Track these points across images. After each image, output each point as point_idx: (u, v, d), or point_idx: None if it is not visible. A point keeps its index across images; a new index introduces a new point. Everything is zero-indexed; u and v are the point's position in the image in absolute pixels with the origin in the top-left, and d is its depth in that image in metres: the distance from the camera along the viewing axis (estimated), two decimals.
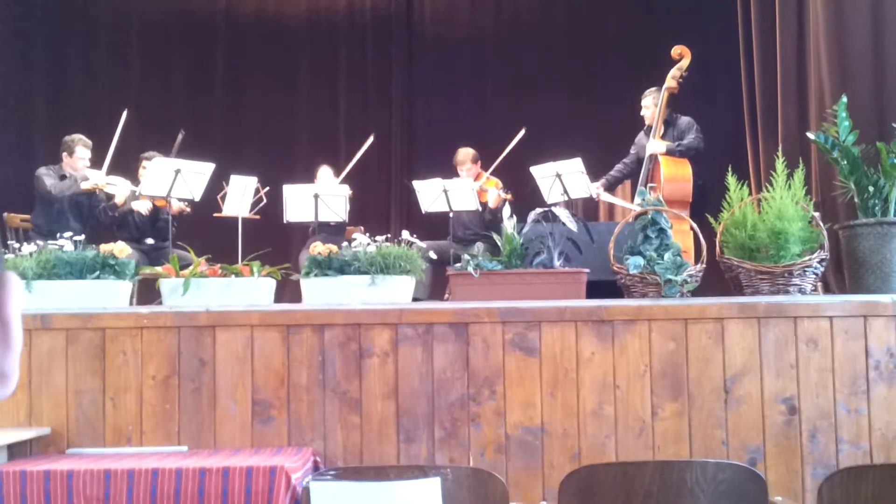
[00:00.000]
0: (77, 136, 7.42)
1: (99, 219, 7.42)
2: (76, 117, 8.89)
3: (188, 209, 7.33)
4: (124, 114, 7.37)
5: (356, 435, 4.11)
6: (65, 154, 7.36)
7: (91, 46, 9.54)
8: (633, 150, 7.44)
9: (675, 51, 7.03)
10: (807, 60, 6.41)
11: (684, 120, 7.15)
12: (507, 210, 5.09)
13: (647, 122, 7.29)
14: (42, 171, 7.28)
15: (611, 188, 7.44)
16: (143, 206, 7.37)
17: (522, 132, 7.61)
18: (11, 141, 8.37)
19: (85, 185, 7.26)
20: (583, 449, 4.08)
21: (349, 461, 4.06)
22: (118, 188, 7.34)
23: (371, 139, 8.09)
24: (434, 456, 4.08)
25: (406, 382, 4.13)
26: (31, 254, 4.55)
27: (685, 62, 7.01)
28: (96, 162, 7.41)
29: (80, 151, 7.34)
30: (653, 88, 7.26)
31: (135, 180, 7.44)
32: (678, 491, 3.02)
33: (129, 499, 3.44)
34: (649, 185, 6.36)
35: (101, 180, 7.28)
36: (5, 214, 7.30)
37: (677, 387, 4.12)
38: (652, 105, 7.20)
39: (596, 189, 7.27)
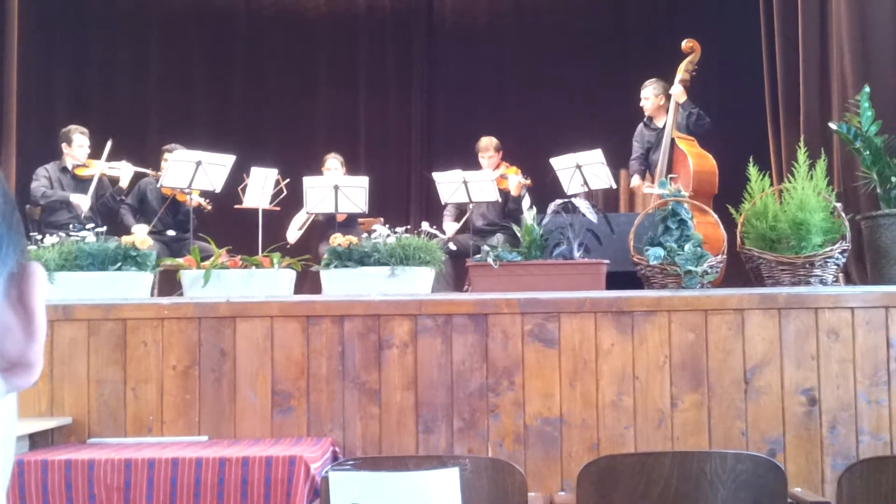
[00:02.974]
0: (73, 126, 7.46)
1: (108, 205, 7.46)
2: (97, 113, 8.95)
3: (209, 206, 7.36)
4: (109, 143, 7.41)
5: (375, 425, 4.12)
6: (64, 145, 7.40)
7: (111, 43, 9.58)
8: (636, 145, 7.38)
9: (686, 44, 6.96)
10: (829, 50, 6.37)
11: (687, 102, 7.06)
12: (526, 201, 5.09)
13: (646, 113, 7.23)
14: (39, 171, 7.33)
15: (643, 178, 7.40)
16: (134, 225, 7.42)
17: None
18: (34, 136, 8.43)
19: (85, 173, 7.30)
20: (602, 439, 4.08)
21: (368, 451, 4.08)
22: (122, 171, 7.38)
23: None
24: (453, 446, 4.09)
25: (425, 373, 4.14)
26: (53, 245, 4.58)
27: (696, 56, 6.93)
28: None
29: (77, 139, 7.37)
30: (653, 79, 7.20)
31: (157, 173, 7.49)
32: (697, 482, 3.02)
33: (150, 488, 3.47)
34: (670, 175, 6.32)
35: (101, 167, 7.32)
36: (28, 207, 7.34)
37: (697, 378, 4.11)
38: (652, 95, 7.14)
39: (638, 181, 7.23)
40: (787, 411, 4.07)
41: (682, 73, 6.91)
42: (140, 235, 7.23)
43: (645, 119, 7.27)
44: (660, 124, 7.04)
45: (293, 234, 7.69)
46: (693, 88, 7.04)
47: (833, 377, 4.08)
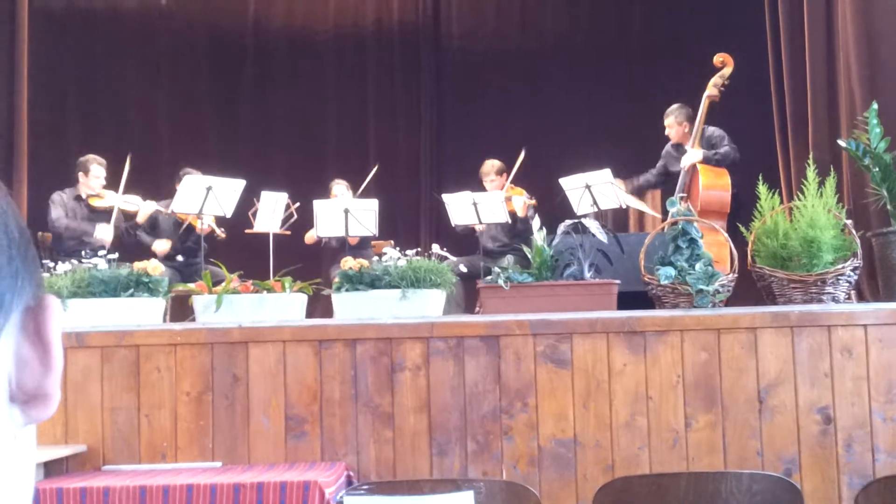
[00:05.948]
0: (91, 156, 7.48)
1: (122, 240, 7.48)
2: (107, 137, 8.99)
3: (223, 234, 7.39)
4: (128, 159, 7.44)
5: (389, 449, 4.11)
6: (80, 174, 7.42)
7: (120, 65, 9.63)
8: (661, 162, 7.39)
9: (718, 58, 6.92)
10: (836, 67, 6.38)
11: (714, 130, 7.08)
12: (536, 222, 5.09)
13: (672, 140, 7.25)
14: (54, 197, 7.35)
15: (636, 191, 7.39)
16: (161, 247, 7.42)
17: (523, 154, 7.63)
18: (45, 162, 8.46)
19: (99, 204, 7.33)
20: (616, 461, 4.07)
21: (382, 475, 4.07)
22: (141, 208, 7.41)
23: (376, 168, 8.12)
24: (467, 469, 4.07)
25: (438, 396, 4.14)
26: (65, 273, 4.60)
27: (727, 70, 6.89)
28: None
29: (95, 170, 7.40)
30: (675, 106, 7.21)
31: (171, 195, 7.51)
32: (713, 502, 3.01)
33: None
34: (680, 195, 6.32)
35: (116, 200, 7.34)
36: (40, 234, 7.37)
37: (711, 397, 4.09)
38: (675, 124, 7.15)
39: (629, 196, 7.21)
40: (802, 430, 4.05)
41: (710, 88, 6.87)
42: (161, 247, 7.28)
43: (671, 143, 7.26)
44: (687, 147, 7.02)
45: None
46: (713, 106, 7.01)
47: (847, 395, 4.06)
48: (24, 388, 0.67)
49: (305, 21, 9.92)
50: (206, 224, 6.98)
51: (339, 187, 7.89)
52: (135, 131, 9.42)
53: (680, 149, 7.16)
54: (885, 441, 4.03)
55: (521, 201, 7.40)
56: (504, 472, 4.06)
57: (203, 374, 4.17)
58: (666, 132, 7.22)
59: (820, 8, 6.59)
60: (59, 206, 7.31)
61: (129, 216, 7.49)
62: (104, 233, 7.17)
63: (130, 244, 7.48)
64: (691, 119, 7.00)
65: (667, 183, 7.25)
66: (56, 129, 9.15)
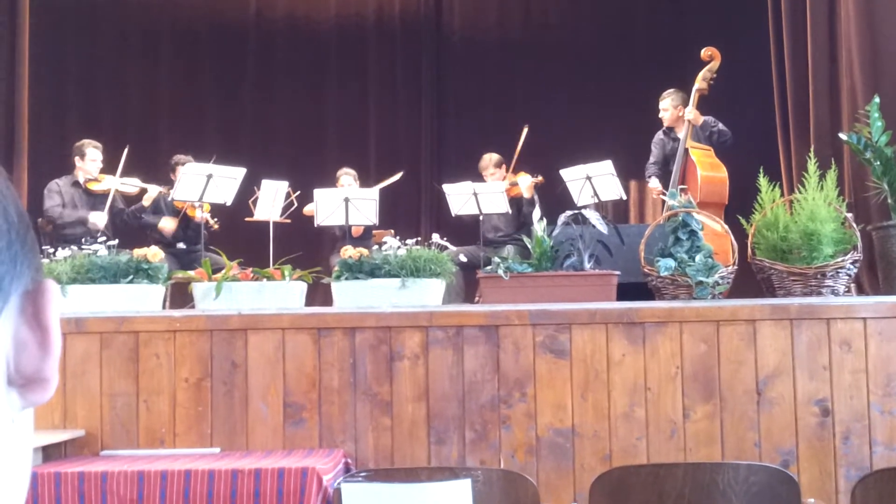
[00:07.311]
0: (86, 140, 7.44)
1: (128, 222, 7.46)
2: (108, 124, 8.99)
3: (216, 225, 7.36)
4: (126, 150, 7.40)
5: (387, 437, 4.12)
6: (77, 158, 7.38)
7: (122, 54, 9.64)
8: (655, 150, 7.38)
9: (705, 52, 6.95)
10: (838, 60, 6.37)
11: (709, 118, 7.08)
12: (537, 213, 5.09)
13: (665, 124, 7.24)
14: (51, 186, 7.31)
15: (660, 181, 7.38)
16: (168, 224, 7.40)
17: (526, 130, 7.63)
18: (45, 149, 8.46)
19: (97, 188, 7.32)
20: (614, 451, 4.07)
21: (380, 463, 4.08)
22: (150, 191, 7.39)
23: (399, 175, 8.12)
24: (465, 458, 4.08)
25: (437, 385, 4.14)
26: (65, 259, 4.60)
27: (715, 64, 6.92)
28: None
29: (91, 153, 7.36)
30: (671, 90, 7.20)
31: (167, 184, 7.49)
32: (710, 493, 3.02)
33: (163, 500, 3.47)
34: (680, 186, 6.31)
35: (114, 183, 7.32)
36: (39, 220, 7.36)
37: (709, 389, 4.10)
38: (671, 107, 7.14)
39: (657, 183, 7.18)
40: (799, 422, 4.06)
41: (699, 82, 6.88)
42: (168, 225, 7.26)
43: (664, 128, 7.26)
44: (680, 134, 7.01)
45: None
46: (703, 99, 7.04)
47: (846, 388, 4.06)
48: (22, 371, 0.67)
49: (307, 10, 9.90)
50: (200, 214, 6.96)
51: (347, 177, 7.88)
52: (135, 120, 9.42)
53: (672, 133, 7.16)
54: (883, 434, 4.03)
55: (528, 180, 7.40)
56: (502, 462, 4.07)
57: (202, 360, 4.17)
58: (660, 115, 7.21)
59: (822, 1, 6.57)
60: (55, 194, 7.29)
61: (132, 200, 7.47)
62: (99, 219, 7.14)
63: (134, 228, 7.47)
64: (686, 103, 7.00)
65: (664, 171, 7.25)
66: (56, 117, 9.15)
